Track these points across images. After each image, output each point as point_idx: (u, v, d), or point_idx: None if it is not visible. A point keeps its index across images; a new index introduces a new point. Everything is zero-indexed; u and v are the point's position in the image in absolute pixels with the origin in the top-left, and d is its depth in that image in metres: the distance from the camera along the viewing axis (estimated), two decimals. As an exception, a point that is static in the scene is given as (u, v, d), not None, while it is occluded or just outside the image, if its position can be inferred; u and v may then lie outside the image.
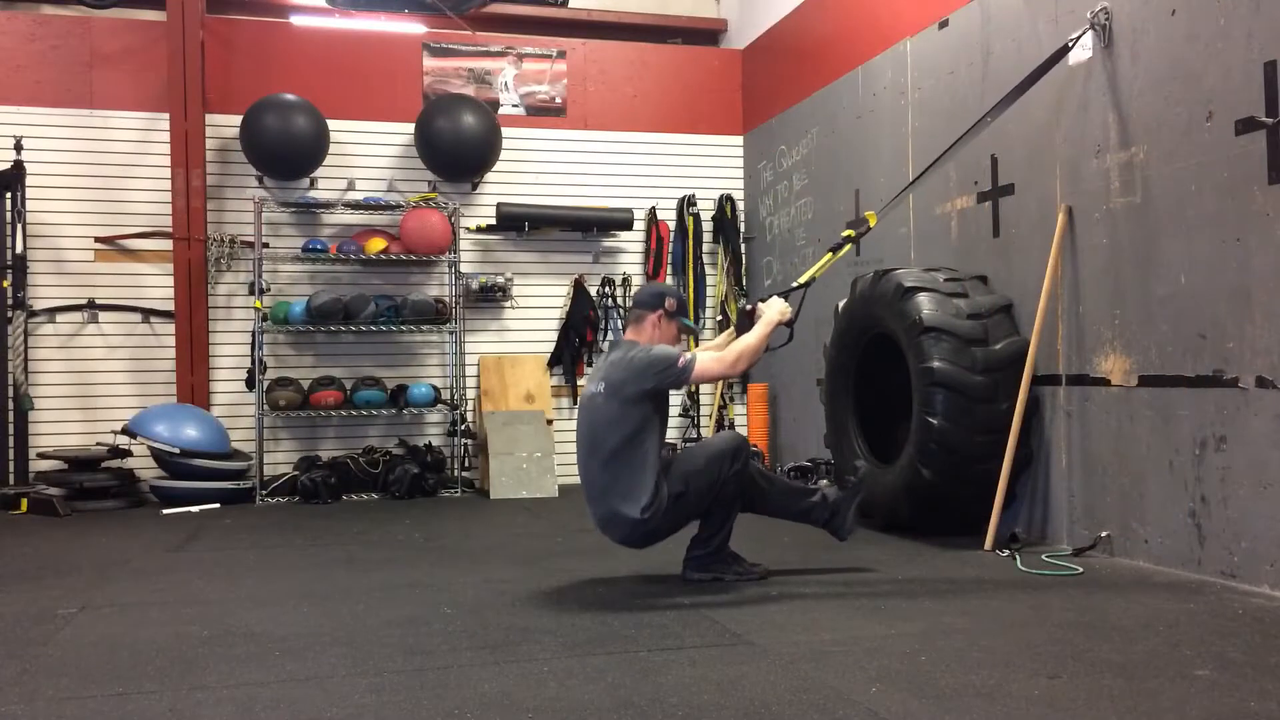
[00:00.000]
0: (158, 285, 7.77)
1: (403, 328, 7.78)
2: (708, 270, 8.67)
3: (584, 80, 8.58)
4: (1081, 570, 4.35)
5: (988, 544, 4.87)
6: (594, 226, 8.35)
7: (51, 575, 4.71)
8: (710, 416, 8.57)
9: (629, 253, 8.60)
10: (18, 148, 7.29)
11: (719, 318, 8.65)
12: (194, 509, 6.91)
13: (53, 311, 7.62)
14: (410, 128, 8.04)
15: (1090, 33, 4.75)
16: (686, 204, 8.57)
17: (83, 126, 7.70)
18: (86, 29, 7.75)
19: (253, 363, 7.51)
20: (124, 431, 7.15)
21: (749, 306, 4.57)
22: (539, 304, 8.40)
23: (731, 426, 8.46)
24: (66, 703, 2.83)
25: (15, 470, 7.27)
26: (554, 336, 8.40)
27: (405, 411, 7.86)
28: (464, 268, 8.12)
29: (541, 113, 8.50)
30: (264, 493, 7.34)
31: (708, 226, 8.67)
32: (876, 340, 5.67)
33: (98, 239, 7.68)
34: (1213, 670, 2.93)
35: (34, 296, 7.51)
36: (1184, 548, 4.27)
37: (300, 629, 3.61)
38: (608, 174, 8.47)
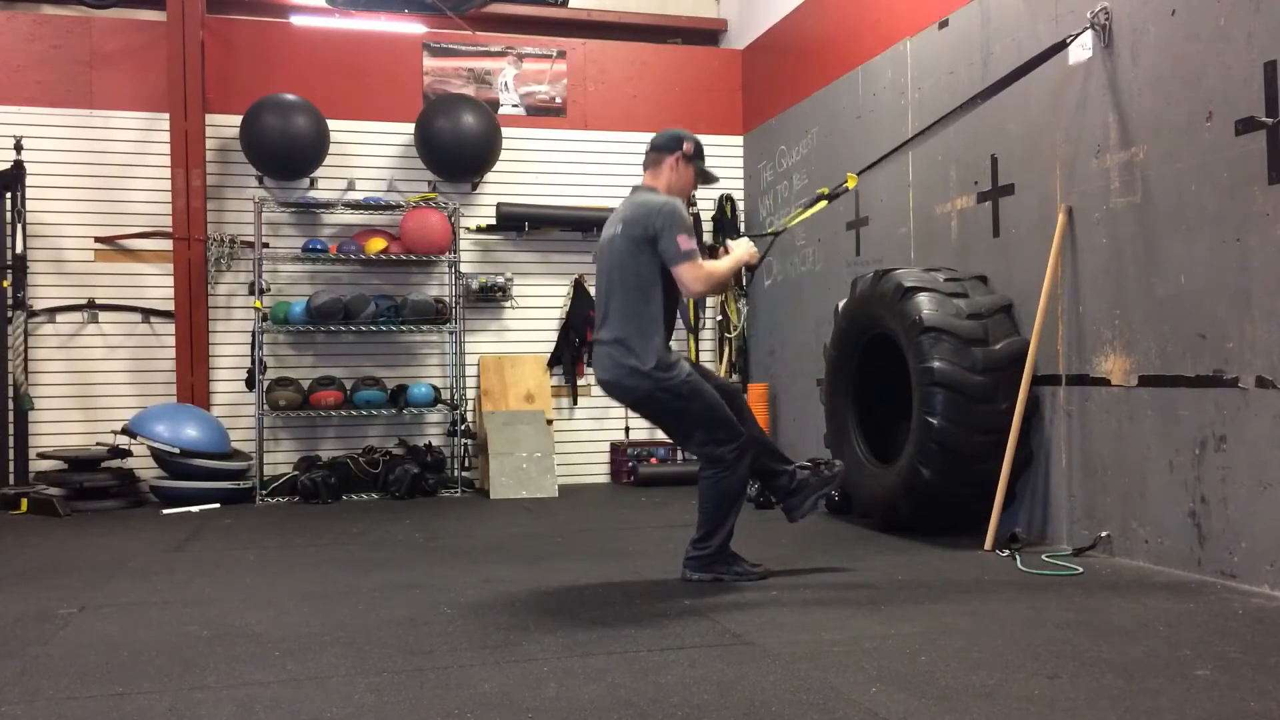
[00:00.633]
0: (158, 285, 7.77)
1: (403, 328, 7.78)
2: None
3: (584, 80, 8.58)
4: (1081, 570, 4.35)
5: (988, 544, 4.87)
6: (594, 226, 8.32)
7: (51, 575, 4.71)
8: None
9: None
10: (18, 148, 7.30)
11: (719, 318, 8.65)
12: (194, 509, 6.91)
13: (53, 311, 7.62)
14: (410, 128, 8.04)
15: (1090, 32, 4.75)
16: (686, 204, 8.54)
17: (83, 126, 7.70)
18: (86, 29, 7.75)
19: (253, 363, 7.51)
20: (124, 431, 7.15)
21: (718, 246, 4.62)
22: (539, 304, 8.41)
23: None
24: (66, 703, 2.83)
25: (15, 470, 7.27)
26: (554, 336, 8.40)
27: (405, 411, 7.86)
28: (464, 268, 8.12)
29: (541, 113, 8.51)
30: (264, 493, 7.35)
31: (708, 226, 8.67)
32: (876, 340, 5.67)
33: (98, 239, 7.68)
34: (1213, 670, 2.93)
35: (34, 296, 7.51)
36: (1184, 548, 4.27)
37: (300, 629, 3.61)
38: (608, 174, 8.47)
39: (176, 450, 7.01)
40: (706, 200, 8.64)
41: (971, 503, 5.08)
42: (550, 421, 7.97)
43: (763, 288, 8.35)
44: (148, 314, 7.75)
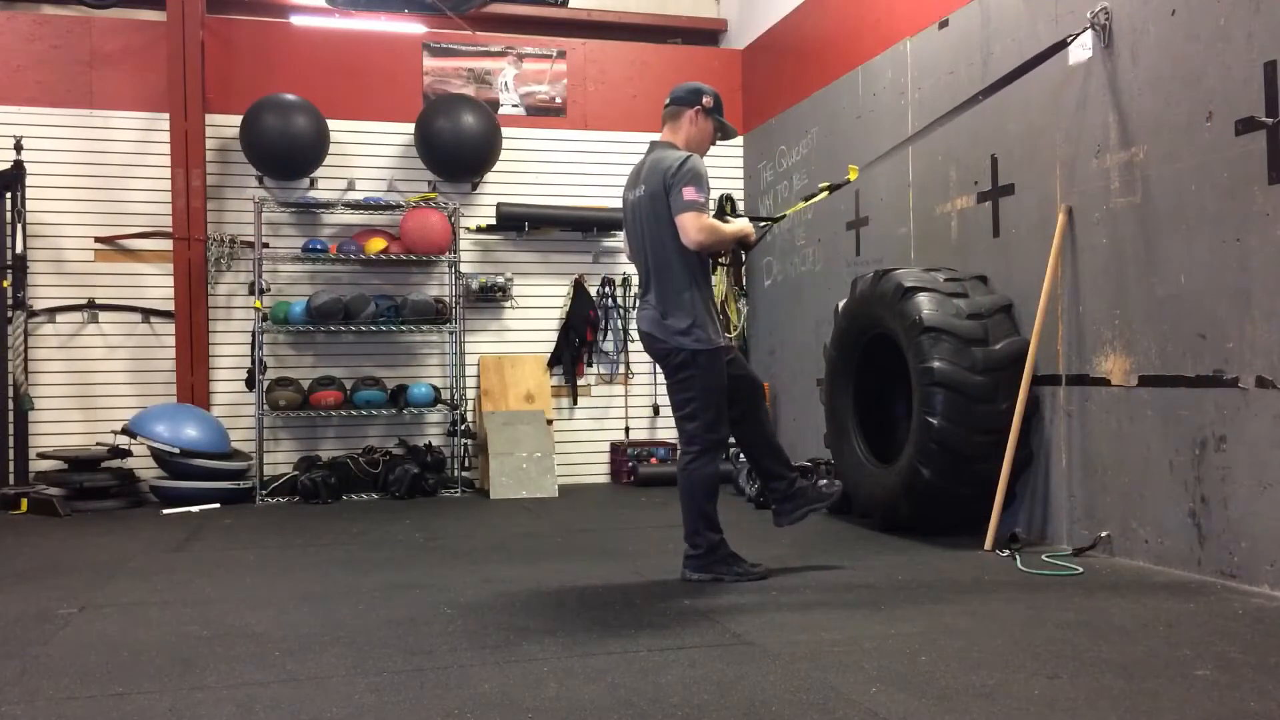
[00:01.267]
0: (158, 285, 7.77)
1: (403, 328, 7.78)
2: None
3: (584, 80, 8.58)
4: (1081, 570, 4.35)
5: (988, 544, 4.87)
6: (594, 226, 8.35)
7: (51, 575, 4.71)
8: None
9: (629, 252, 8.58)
10: (18, 148, 7.30)
11: (719, 317, 8.64)
12: (194, 509, 6.91)
13: (53, 311, 7.61)
14: (410, 128, 8.04)
15: (1090, 32, 4.75)
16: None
17: (83, 126, 7.70)
18: (86, 29, 7.75)
19: (253, 363, 7.51)
20: (124, 431, 7.15)
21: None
22: (539, 304, 8.40)
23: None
24: (66, 703, 2.83)
25: (15, 470, 7.27)
26: (554, 336, 8.40)
27: (405, 411, 7.86)
28: (464, 268, 8.12)
29: (541, 113, 8.50)
30: (264, 493, 7.35)
31: (708, 226, 8.67)
32: (876, 340, 5.67)
33: (98, 239, 7.68)
34: (1213, 670, 2.93)
35: (34, 296, 7.51)
36: (1184, 548, 4.27)
37: (300, 629, 3.61)
38: (608, 174, 8.46)
39: (176, 450, 7.01)
40: (706, 200, 8.63)
41: (971, 503, 5.08)
42: (550, 421, 7.97)
43: (763, 288, 8.35)
44: (148, 314, 7.75)
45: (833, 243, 7.21)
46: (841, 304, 6.02)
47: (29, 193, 7.37)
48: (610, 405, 8.53)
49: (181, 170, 7.59)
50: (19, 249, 7.26)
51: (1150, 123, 4.47)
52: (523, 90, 8.47)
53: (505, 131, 8.14)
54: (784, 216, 5.16)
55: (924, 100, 6.15)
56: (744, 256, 4.74)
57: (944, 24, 5.96)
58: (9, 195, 7.29)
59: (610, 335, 8.46)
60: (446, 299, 8.01)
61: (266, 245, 7.71)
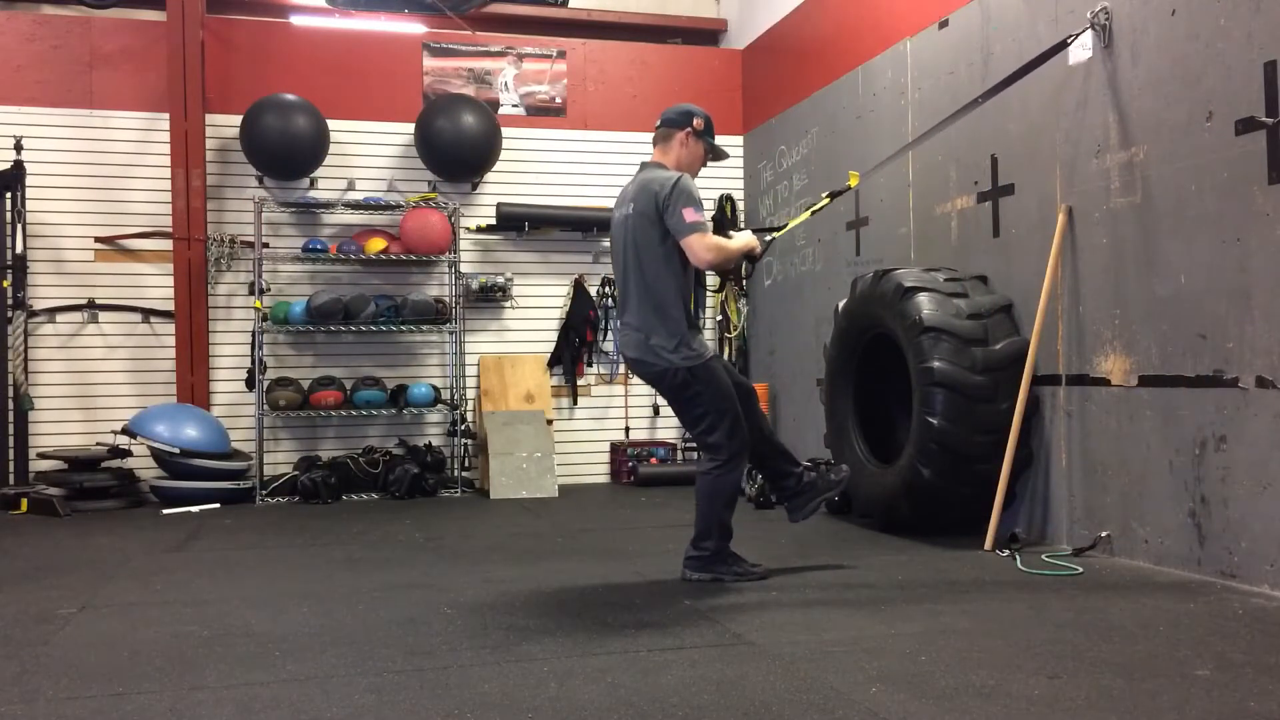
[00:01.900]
0: (158, 285, 7.77)
1: (403, 328, 7.78)
2: (707, 272, 8.65)
3: (584, 80, 8.58)
4: (1081, 570, 4.35)
5: (988, 544, 4.87)
6: (594, 226, 8.35)
7: (51, 575, 4.71)
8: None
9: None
10: (18, 148, 7.29)
11: (719, 317, 8.65)
12: (194, 509, 6.91)
13: (53, 311, 7.61)
14: (410, 128, 8.04)
15: (1090, 32, 4.75)
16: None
17: (83, 126, 7.70)
18: (86, 29, 7.75)
19: (253, 363, 7.51)
20: (124, 431, 7.15)
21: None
22: (539, 304, 8.40)
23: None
24: (66, 703, 2.83)
25: (15, 470, 7.27)
26: (554, 336, 8.40)
27: (405, 411, 7.86)
28: (464, 268, 8.12)
29: (541, 113, 8.50)
30: (264, 493, 7.34)
31: (708, 226, 8.66)
32: (876, 340, 5.67)
33: (98, 239, 7.68)
34: (1213, 670, 2.93)
35: (34, 296, 7.51)
36: (1184, 548, 4.27)
37: (300, 629, 3.61)
38: (608, 174, 8.46)
39: (176, 450, 7.01)
40: (707, 200, 8.54)
41: (971, 503, 5.08)
42: (550, 421, 7.97)
43: (763, 288, 8.35)
44: (148, 314, 7.75)
45: (833, 243, 7.21)
46: (841, 304, 6.02)
47: (29, 193, 7.36)
48: (610, 405, 8.53)
49: (181, 170, 7.59)
50: (19, 249, 7.26)
51: (1150, 123, 4.47)
52: (523, 90, 8.48)
53: (505, 131, 8.14)
54: (787, 227, 5.13)
55: (924, 100, 6.15)
56: (750, 269, 4.72)
57: (944, 24, 5.96)
58: (9, 195, 7.29)
59: (610, 335, 8.46)
60: (446, 299, 8.01)
61: (266, 245, 7.71)
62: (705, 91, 8.74)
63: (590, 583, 4.36)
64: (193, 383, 7.62)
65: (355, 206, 7.94)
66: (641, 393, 8.52)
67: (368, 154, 8.15)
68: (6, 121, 7.50)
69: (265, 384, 7.53)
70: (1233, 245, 4.04)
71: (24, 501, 6.86)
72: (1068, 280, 4.94)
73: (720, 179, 8.71)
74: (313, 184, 7.97)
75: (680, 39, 9.08)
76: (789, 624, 3.57)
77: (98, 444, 7.41)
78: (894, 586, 4.18)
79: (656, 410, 8.51)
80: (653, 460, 8.17)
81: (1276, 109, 3.87)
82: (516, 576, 4.50)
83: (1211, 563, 4.14)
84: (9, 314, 7.31)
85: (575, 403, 8.41)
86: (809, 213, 5.12)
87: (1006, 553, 4.72)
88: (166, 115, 7.64)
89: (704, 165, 4.55)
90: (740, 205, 8.69)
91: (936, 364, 4.99)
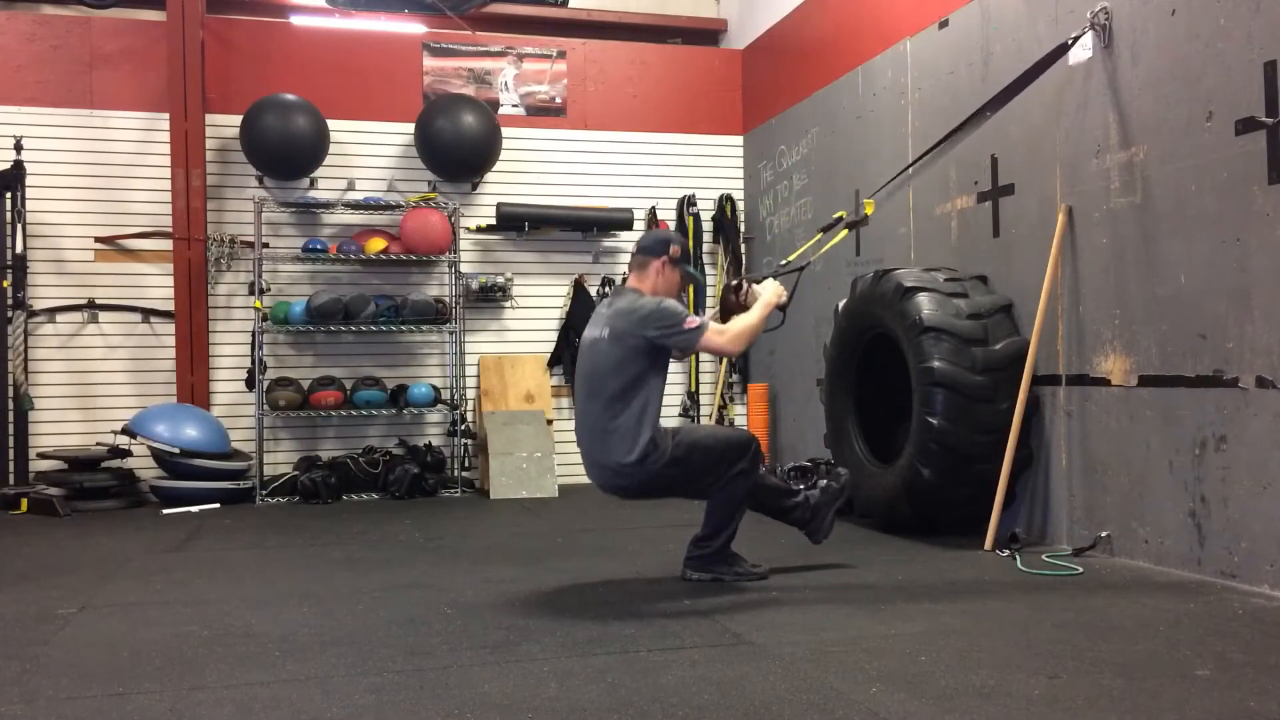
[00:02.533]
0: (158, 285, 7.77)
1: (403, 328, 7.78)
2: (708, 270, 8.67)
3: (584, 80, 8.58)
4: (1081, 570, 4.35)
5: (988, 544, 4.87)
6: (594, 226, 8.35)
7: (51, 575, 4.71)
8: (710, 416, 8.57)
9: (629, 253, 8.56)
10: (18, 148, 7.29)
11: (719, 318, 8.63)
12: (194, 509, 6.91)
13: (53, 311, 7.61)
14: (410, 128, 8.04)
15: (1090, 33, 4.75)
16: (686, 204, 8.57)
17: (83, 126, 7.70)
18: (86, 29, 7.75)
19: (253, 363, 7.51)
20: (124, 431, 7.15)
21: (735, 283, 4.50)
22: (539, 304, 8.40)
23: (732, 426, 8.47)
24: (66, 703, 2.83)
25: (15, 470, 7.27)
26: (554, 336, 8.40)
27: (405, 411, 7.86)
28: (464, 268, 8.12)
29: (541, 113, 8.50)
30: (264, 493, 7.35)
31: (708, 226, 8.67)
32: (876, 340, 5.67)
33: (98, 239, 7.67)
34: (1213, 670, 2.93)
35: (34, 296, 7.51)
36: (1184, 548, 4.27)
37: (300, 629, 3.61)
38: (608, 174, 8.47)
39: (176, 450, 7.01)
40: (707, 200, 8.64)
41: (971, 503, 5.08)
42: (550, 421, 7.97)
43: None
44: (148, 314, 7.75)
45: (831, 235, 7.19)
46: (841, 304, 6.02)
47: (29, 193, 7.36)
48: (610, 405, 8.51)
49: (181, 170, 7.59)
50: (19, 249, 7.26)
51: (1150, 123, 4.47)
52: (523, 90, 8.47)
53: (505, 131, 8.14)
54: (808, 264, 4.99)
55: (924, 100, 6.15)
56: (783, 318, 4.58)
57: (944, 24, 5.96)
58: (9, 195, 7.28)
59: (610, 335, 8.45)
60: (446, 299, 8.01)
61: (266, 245, 7.71)
62: (705, 91, 8.76)
63: (590, 583, 4.36)
64: (193, 383, 7.62)
65: (355, 206, 7.94)
66: (641, 393, 8.50)
67: (368, 154, 8.15)
68: (6, 121, 7.50)
69: (265, 384, 7.53)
70: (1233, 245, 4.04)
71: (24, 501, 6.86)
72: (1068, 280, 4.94)
73: (720, 179, 8.73)
74: (313, 184, 7.96)
75: (680, 39, 9.08)
76: (789, 624, 3.57)
77: (98, 444, 7.41)
78: (894, 586, 4.18)
79: (656, 410, 8.50)
80: (653, 460, 8.15)
81: (1276, 109, 3.87)
82: (516, 576, 4.50)
83: (1211, 563, 4.14)
84: (9, 314, 7.30)
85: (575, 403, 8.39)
86: (831, 244, 5.06)
87: (1006, 553, 4.72)
88: (166, 115, 7.64)
89: (681, 292, 4.46)
90: (740, 205, 8.69)
91: (936, 364, 4.99)
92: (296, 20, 8.16)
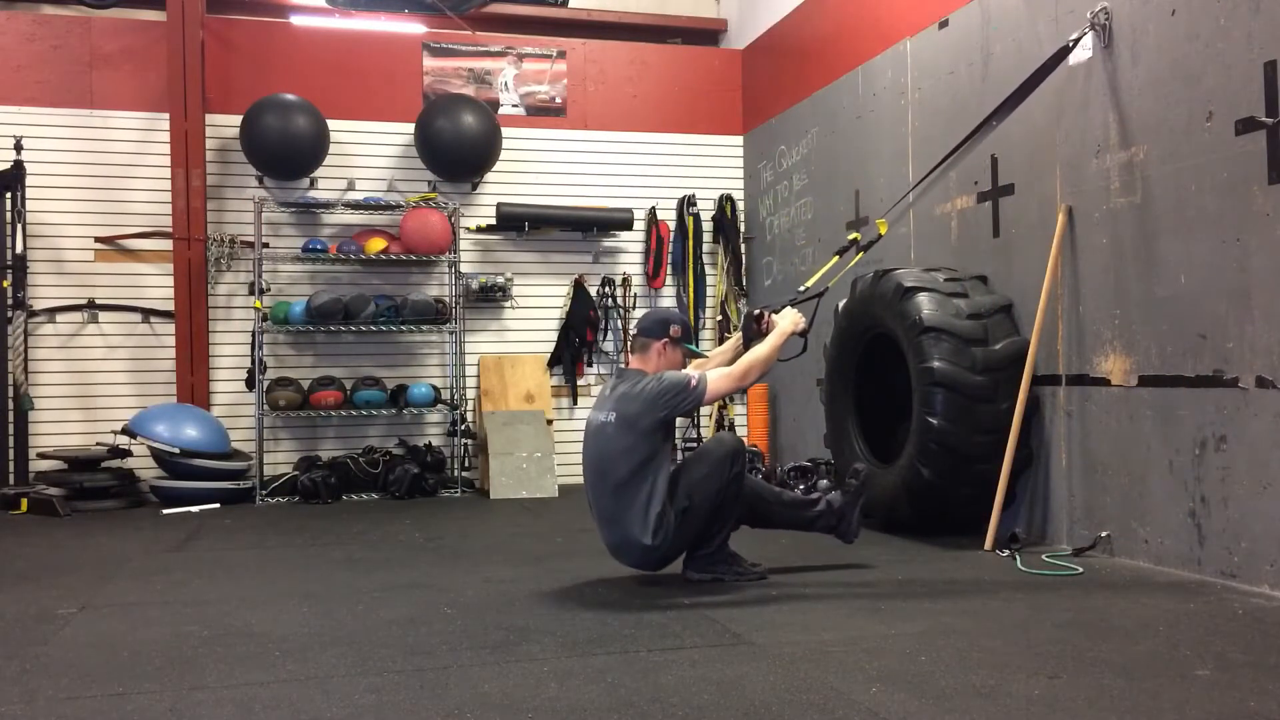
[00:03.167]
0: (158, 285, 7.77)
1: (403, 328, 7.78)
2: (707, 270, 8.67)
3: (584, 80, 8.58)
4: (1081, 570, 4.35)
5: (988, 544, 4.87)
6: (594, 226, 8.35)
7: (51, 575, 4.71)
8: (710, 417, 8.57)
9: (629, 253, 8.59)
10: (18, 148, 7.29)
11: (719, 318, 8.65)
12: (194, 509, 6.91)
13: (53, 311, 7.61)
14: (410, 128, 8.04)
15: (1090, 33, 4.75)
16: (686, 204, 8.57)
17: (83, 126, 7.70)
18: (86, 29, 7.75)
19: (253, 363, 7.51)
20: (124, 431, 7.15)
21: (756, 312, 4.54)
22: (539, 304, 8.40)
23: (731, 427, 8.47)
24: (66, 703, 2.83)
25: (15, 470, 7.27)
26: (554, 336, 8.40)
27: (405, 411, 7.86)
28: (464, 268, 8.12)
29: (541, 113, 8.50)
30: (264, 493, 7.35)
31: (708, 226, 8.67)
32: (876, 340, 5.67)
33: (98, 239, 7.68)
34: (1213, 670, 2.93)
35: (34, 296, 7.51)
36: (1184, 548, 4.27)
37: (300, 629, 3.61)
38: (608, 174, 8.47)
39: (176, 450, 7.01)
40: (707, 200, 8.64)
41: (971, 503, 5.08)
42: (550, 421, 7.97)
43: (763, 287, 8.35)
44: (148, 314, 7.75)
45: (832, 242, 7.18)
46: (841, 304, 6.02)
47: (29, 193, 7.36)
48: (610, 405, 8.52)
49: (181, 170, 7.59)
50: (19, 249, 7.26)
51: (1150, 123, 4.47)
52: (523, 90, 8.48)
53: (505, 131, 8.14)
54: (826, 290, 5.01)
55: (924, 100, 6.15)
56: (805, 344, 4.60)
57: (944, 24, 5.96)
58: (9, 195, 7.29)
59: (610, 335, 8.46)
60: (446, 299, 8.01)
61: (266, 245, 7.71)
62: (705, 91, 8.76)
63: (590, 582, 4.36)
64: (193, 383, 7.62)
65: (355, 206, 7.94)
66: (641, 393, 8.50)
67: (368, 154, 8.15)
68: (6, 121, 7.50)
69: (265, 384, 7.53)
70: (1232, 245, 4.04)
71: (24, 501, 6.86)
72: (1068, 280, 4.94)
73: (720, 179, 8.73)
74: (313, 184, 7.96)
75: (680, 39, 9.08)
76: (789, 624, 3.57)
77: (98, 444, 7.41)
78: (894, 586, 4.18)
79: (656, 410, 8.50)
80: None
81: (1276, 109, 3.87)
82: (516, 576, 4.50)
83: (1211, 563, 4.14)
84: (9, 314, 7.31)
85: (575, 403, 8.41)
86: (848, 267, 5.08)
87: (1006, 553, 4.72)
88: (166, 115, 7.64)
89: (684, 368, 4.46)
90: (740, 205, 8.69)
91: (936, 364, 4.99)
92: (296, 20, 8.16)
